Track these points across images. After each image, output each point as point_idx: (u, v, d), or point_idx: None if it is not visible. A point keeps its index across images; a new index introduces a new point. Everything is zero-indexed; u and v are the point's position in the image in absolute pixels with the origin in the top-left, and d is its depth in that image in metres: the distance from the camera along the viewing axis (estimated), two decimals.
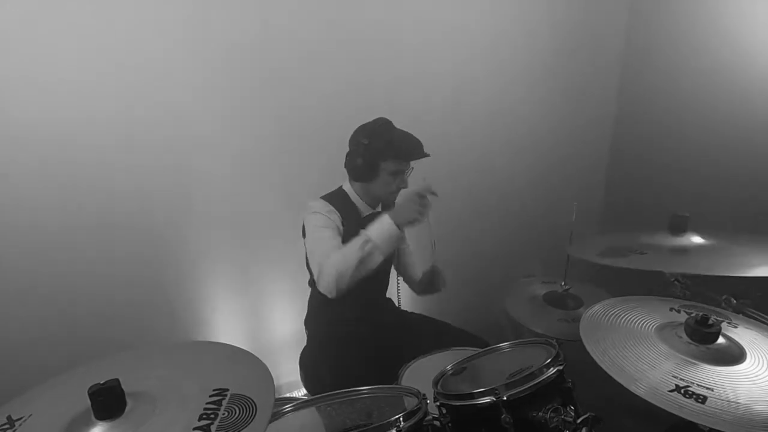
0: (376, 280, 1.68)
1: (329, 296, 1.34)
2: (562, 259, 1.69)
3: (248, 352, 0.95)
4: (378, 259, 1.32)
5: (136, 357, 0.94)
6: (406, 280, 1.82)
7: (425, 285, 1.71)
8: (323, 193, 1.55)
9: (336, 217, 1.46)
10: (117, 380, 0.73)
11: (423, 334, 1.63)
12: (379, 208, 1.59)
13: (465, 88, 2.13)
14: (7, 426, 0.72)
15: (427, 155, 1.45)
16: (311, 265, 1.44)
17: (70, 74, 1.55)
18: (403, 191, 1.44)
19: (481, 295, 2.07)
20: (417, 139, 1.47)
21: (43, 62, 1.51)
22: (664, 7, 2.17)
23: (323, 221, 1.43)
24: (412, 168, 1.50)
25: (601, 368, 1.08)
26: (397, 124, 1.48)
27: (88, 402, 0.72)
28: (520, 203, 2.37)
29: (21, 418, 0.74)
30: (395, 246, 1.35)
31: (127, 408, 0.73)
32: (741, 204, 1.89)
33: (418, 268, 1.78)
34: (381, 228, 1.31)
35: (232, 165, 1.83)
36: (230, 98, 1.76)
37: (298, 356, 1.66)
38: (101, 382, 0.72)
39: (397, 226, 1.31)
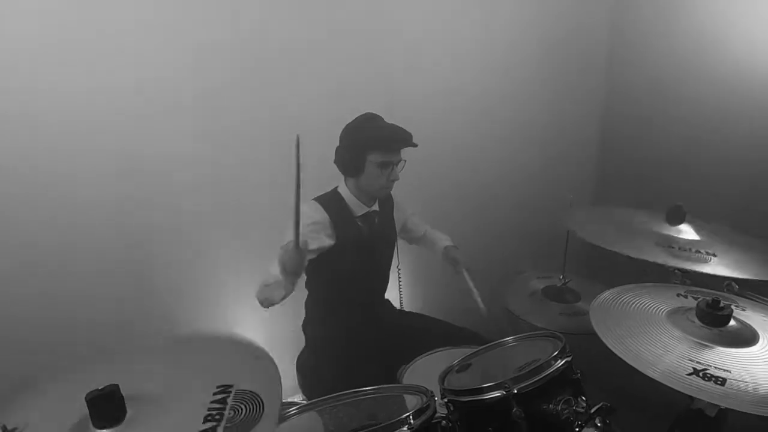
0: (376, 281, 1.67)
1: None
2: (556, 253, 1.70)
3: (249, 341, 0.91)
4: (282, 292, 1.31)
5: (134, 357, 0.89)
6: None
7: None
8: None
9: (315, 234, 1.41)
10: (116, 386, 0.68)
11: (422, 334, 1.61)
12: (376, 207, 1.57)
13: (455, 86, 2.12)
14: None
15: (414, 145, 1.44)
16: None
17: (64, 79, 1.50)
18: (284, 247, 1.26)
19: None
20: (404, 130, 1.44)
21: (30, 67, 1.46)
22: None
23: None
24: (404, 161, 1.48)
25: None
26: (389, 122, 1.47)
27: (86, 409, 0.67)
28: (513, 198, 2.37)
29: (15, 429, 0.68)
30: (297, 268, 1.26)
31: (128, 414, 0.69)
32: (733, 193, 1.92)
33: (442, 242, 1.78)
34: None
35: (229, 167, 1.79)
36: (225, 95, 1.73)
37: (295, 360, 1.62)
38: (99, 388, 0.67)
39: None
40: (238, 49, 1.71)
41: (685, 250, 1.30)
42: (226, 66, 1.71)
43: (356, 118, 1.47)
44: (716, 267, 1.20)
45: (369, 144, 1.42)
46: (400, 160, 1.47)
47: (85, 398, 0.66)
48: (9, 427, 0.71)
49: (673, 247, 1.31)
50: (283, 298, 1.33)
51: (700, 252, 1.29)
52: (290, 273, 1.25)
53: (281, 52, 1.77)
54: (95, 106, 1.57)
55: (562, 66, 2.34)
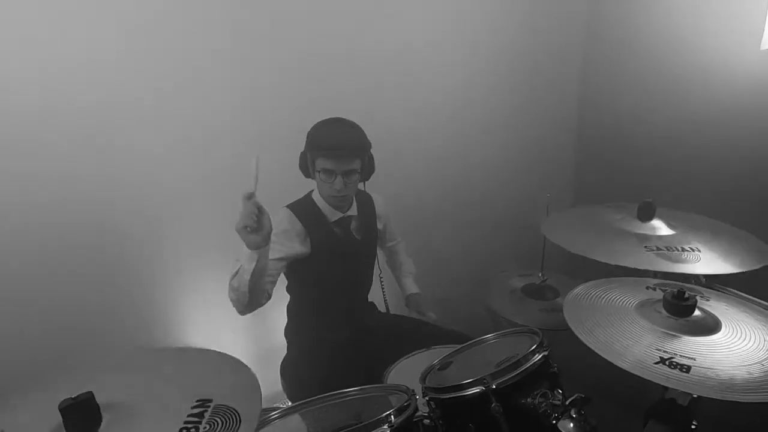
0: (357, 284, 1.67)
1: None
2: (537, 251, 1.73)
3: (235, 358, 0.91)
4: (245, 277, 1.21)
5: (115, 365, 0.89)
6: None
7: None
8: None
9: (288, 241, 1.39)
10: (90, 393, 0.68)
11: (405, 335, 1.62)
12: (353, 211, 1.56)
13: (434, 89, 2.15)
14: None
15: (357, 159, 1.37)
16: None
17: (43, 70, 1.47)
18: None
19: (460, 292, 2.07)
20: (359, 140, 1.38)
21: (14, 57, 1.43)
22: None
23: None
24: (358, 173, 1.40)
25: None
26: (368, 125, 1.44)
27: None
28: (494, 198, 2.41)
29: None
30: (259, 262, 1.20)
31: (103, 423, 0.69)
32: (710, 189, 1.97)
33: (408, 286, 1.81)
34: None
35: (215, 171, 1.77)
36: (217, 98, 1.72)
37: (279, 366, 1.61)
38: (73, 397, 0.67)
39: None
40: (224, 48, 1.70)
41: (673, 250, 1.27)
42: (215, 64, 1.70)
43: (321, 120, 1.42)
44: (705, 264, 1.19)
45: (314, 148, 1.38)
46: (350, 171, 1.38)
47: (59, 407, 0.65)
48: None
49: (661, 249, 1.27)
50: (254, 280, 1.20)
51: (686, 250, 1.26)
52: (250, 236, 1.13)
53: (267, 52, 1.76)
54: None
55: (538, 67, 2.37)
